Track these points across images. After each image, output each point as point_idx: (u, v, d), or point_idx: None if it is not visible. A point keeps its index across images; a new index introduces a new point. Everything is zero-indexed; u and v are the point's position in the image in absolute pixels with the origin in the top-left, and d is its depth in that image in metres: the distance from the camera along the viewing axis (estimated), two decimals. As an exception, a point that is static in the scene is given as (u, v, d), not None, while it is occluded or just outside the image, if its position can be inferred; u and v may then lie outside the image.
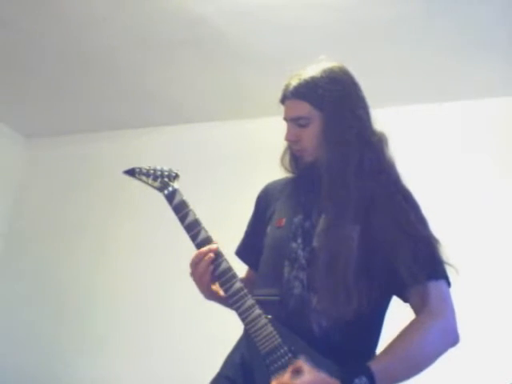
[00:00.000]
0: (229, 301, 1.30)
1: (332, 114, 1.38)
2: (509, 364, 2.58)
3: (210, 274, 1.34)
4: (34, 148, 4.21)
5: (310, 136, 1.40)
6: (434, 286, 1.28)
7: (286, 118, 1.45)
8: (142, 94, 3.49)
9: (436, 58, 2.87)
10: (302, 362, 1.18)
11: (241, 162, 3.50)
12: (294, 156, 1.48)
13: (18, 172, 4.15)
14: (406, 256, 1.26)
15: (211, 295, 1.42)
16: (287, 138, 1.45)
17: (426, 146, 3.13)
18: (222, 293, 1.37)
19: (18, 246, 3.96)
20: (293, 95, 1.41)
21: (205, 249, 1.34)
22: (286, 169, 1.52)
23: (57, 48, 3.11)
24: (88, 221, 3.82)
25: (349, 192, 1.32)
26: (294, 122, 1.42)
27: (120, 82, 3.40)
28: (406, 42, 2.78)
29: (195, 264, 1.35)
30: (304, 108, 1.40)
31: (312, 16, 2.67)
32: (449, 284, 1.32)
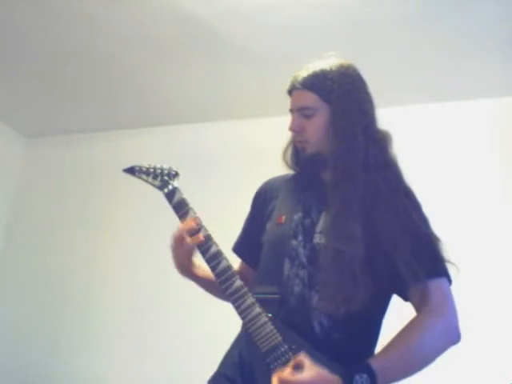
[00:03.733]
0: (229, 299, 1.29)
1: (340, 107, 1.38)
2: (509, 364, 2.58)
3: (192, 255, 1.35)
4: (34, 148, 4.21)
5: (315, 127, 1.40)
6: (435, 284, 1.27)
7: (292, 109, 1.45)
8: (142, 95, 3.49)
9: (436, 58, 2.87)
10: (304, 357, 1.17)
11: (237, 163, 3.49)
12: (296, 150, 1.47)
13: (17, 172, 4.15)
14: (406, 254, 1.25)
15: (186, 272, 1.42)
16: (291, 128, 1.44)
17: (426, 145, 3.13)
18: (196, 271, 1.40)
19: (18, 245, 3.96)
20: (301, 85, 1.41)
21: (194, 224, 1.31)
22: (287, 163, 1.51)
23: (56, 48, 3.10)
24: (87, 220, 3.81)
25: (355, 186, 1.32)
26: (300, 112, 1.42)
27: (119, 83, 3.39)
28: (406, 42, 2.78)
29: (180, 239, 1.33)
30: (311, 98, 1.40)
31: (311, 16, 2.67)
32: (450, 282, 1.32)
